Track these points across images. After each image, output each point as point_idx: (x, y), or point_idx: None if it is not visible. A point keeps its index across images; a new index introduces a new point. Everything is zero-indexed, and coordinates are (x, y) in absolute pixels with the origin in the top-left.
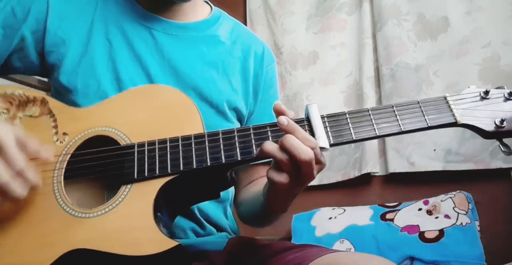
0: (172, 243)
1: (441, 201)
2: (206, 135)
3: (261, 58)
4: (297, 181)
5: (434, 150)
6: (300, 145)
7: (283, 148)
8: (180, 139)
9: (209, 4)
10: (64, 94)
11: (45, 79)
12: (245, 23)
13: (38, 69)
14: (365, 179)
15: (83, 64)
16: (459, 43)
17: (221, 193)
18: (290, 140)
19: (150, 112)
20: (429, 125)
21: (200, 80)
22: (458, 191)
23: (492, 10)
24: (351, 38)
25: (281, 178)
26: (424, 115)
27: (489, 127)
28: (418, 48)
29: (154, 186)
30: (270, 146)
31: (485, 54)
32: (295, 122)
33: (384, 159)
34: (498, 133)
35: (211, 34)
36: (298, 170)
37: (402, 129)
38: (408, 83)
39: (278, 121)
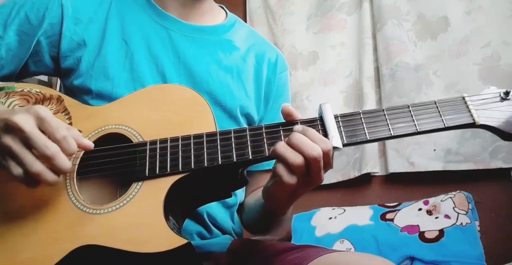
0: (181, 241)
1: (441, 201)
2: (218, 133)
3: (274, 65)
4: (305, 182)
5: (434, 150)
6: (308, 141)
7: (291, 145)
8: (192, 137)
9: (225, 10)
10: (78, 95)
11: (45, 79)
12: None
13: (51, 72)
14: (365, 179)
15: (97, 67)
16: (459, 43)
17: (231, 198)
18: (299, 138)
19: (162, 110)
20: (446, 125)
21: (215, 84)
22: (458, 191)
23: (492, 9)
24: (351, 38)
25: (291, 178)
26: (441, 116)
27: (509, 128)
28: (418, 48)
29: (165, 184)
30: (282, 146)
31: (485, 53)
32: (308, 121)
33: (384, 159)
34: None
35: (227, 39)
36: (308, 170)
37: (418, 130)
38: (408, 83)
39: (293, 128)
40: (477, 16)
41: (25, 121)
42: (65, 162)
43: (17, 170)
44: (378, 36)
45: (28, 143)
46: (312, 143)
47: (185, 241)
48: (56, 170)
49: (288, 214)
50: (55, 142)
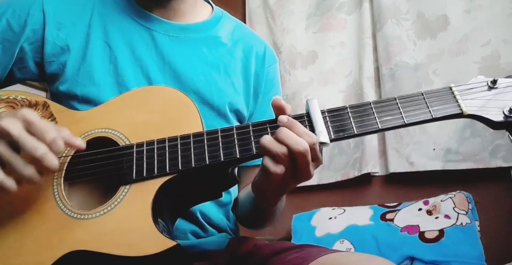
0: (170, 243)
1: (441, 201)
2: (205, 133)
3: (262, 58)
4: (293, 175)
5: (434, 149)
6: (295, 136)
7: (279, 140)
8: (178, 138)
9: (210, 4)
10: (64, 101)
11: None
12: (244, 23)
13: (37, 78)
14: (365, 179)
15: (82, 72)
16: (459, 42)
17: (224, 196)
18: (285, 132)
19: (149, 112)
20: (433, 116)
21: (202, 82)
22: (458, 191)
23: (492, 8)
24: (351, 38)
25: (277, 168)
26: (428, 107)
27: (498, 117)
28: (418, 47)
29: (152, 186)
30: (267, 139)
31: (484, 52)
32: (295, 118)
33: (384, 159)
34: (507, 123)
35: (212, 35)
36: (294, 163)
37: (406, 122)
38: (407, 82)
39: (278, 119)
40: (477, 15)
41: (13, 125)
42: (53, 162)
43: (6, 179)
44: (378, 35)
45: (16, 146)
46: (298, 138)
47: (174, 243)
48: (43, 171)
49: (279, 206)
50: (45, 144)
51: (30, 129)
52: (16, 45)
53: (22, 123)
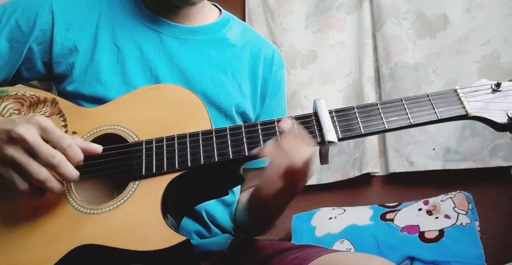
0: (180, 238)
1: (441, 201)
2: (213, 131)
3: (270, 62)
4: (289, 187)
5: (434, 149)
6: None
7: (282, 149)
8: (187, 135)
9: (218, 8)
10: (72, 100)
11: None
12: None
13: (44, 78)
14: (365, 179)
15: (90, 72)
16: (459, 41)
17: (229, 196)
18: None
19: (157, 110)
20: (439, 118)
21: (209, 84)
22: (458, 191)
23: (492, 7)
24: (351, 38)
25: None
26: (434, 108)
27: (502, 119)
28: (418, 46)
29: (162, 182)
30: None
31: (484, 51)
32: (303, 117)
33: (384, 159)
34: (511, 125)
35: (220, 38)
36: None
37: (412, 122)
38: (407, 82)
39: (281, 126)
40: (476, 14)
41: (28, 132)
42: (72, 170)
43: (22, 183)
44: (378, 35)
45: (32, 153)
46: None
47: (184, 238)
48: (62, 178)
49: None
50: (61, 151)
51: (45, 135)
52: (24, 45)
53: (37, 130)
